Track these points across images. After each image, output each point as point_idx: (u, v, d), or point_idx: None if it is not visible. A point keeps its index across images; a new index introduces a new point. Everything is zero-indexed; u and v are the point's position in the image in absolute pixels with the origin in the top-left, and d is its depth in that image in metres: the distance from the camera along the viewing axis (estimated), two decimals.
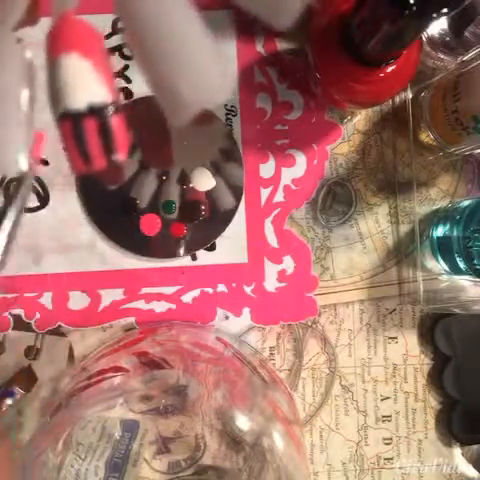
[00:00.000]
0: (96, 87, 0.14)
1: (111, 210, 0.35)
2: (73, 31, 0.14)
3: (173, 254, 0.35)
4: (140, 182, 0.34)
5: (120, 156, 0.14)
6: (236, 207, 0.35)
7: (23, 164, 0.15)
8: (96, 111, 0.14)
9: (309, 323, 0.37)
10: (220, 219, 0.35)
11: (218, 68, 0.16)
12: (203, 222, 0.35)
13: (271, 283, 0.36)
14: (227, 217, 0.35)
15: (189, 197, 0.35)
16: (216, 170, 0.35)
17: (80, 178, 0.35)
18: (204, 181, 0.34)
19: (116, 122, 0.14)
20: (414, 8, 0.21)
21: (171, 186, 0.35)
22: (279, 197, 0.36)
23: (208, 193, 0.35)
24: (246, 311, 0.36)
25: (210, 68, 0.16)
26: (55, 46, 0.14)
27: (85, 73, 0.14)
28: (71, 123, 0.14)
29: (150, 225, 0.35)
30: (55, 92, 0.14)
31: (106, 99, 0.14)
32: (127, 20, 0.15)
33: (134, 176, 0.34)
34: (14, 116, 0.15)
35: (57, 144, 0.15)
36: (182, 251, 0.35)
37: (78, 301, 0.35)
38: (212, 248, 0.36)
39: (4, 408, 0.33)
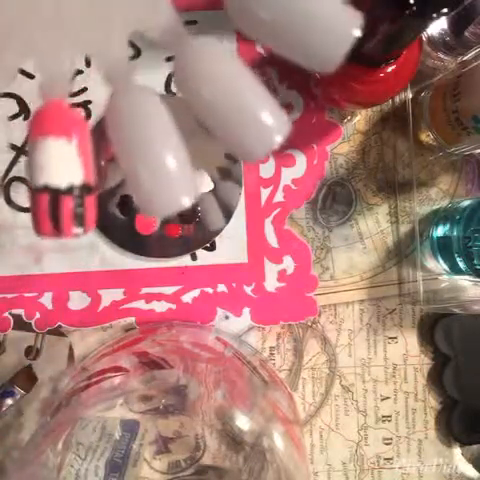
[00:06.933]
0: (77, 169, 0.15)
1: (110, 209, 0.35)
2: (61, 116, 0.15)
3: (169, 254, 0.35)
4: None
5: (85, 231, 0.16)
6: (233, 209, 0.35)
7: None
8: (73, 191, 0.15)
9: (309, 323, 0.37)
10: (217, 220, 0.35)
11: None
12: (200, 223, 0.35)
13: (271, 283, 0.36)
14: (225, 218, 0.35)
15: None
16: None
17: None
18: (201, 183, 0.34)
19: (90, 202, 0.16)
20: (414, 8, 0.21)
21: None
22: (279, 197, 0.36)
23: (207, 194, 0.35)
24: (246, 311, 0.36)
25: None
26: (42, 128, 0.15)
27: (68, 156, 0.15)
28: (49, 197, 0.15)
29: (146, 224, 0.34)
30: (36, 169, 0.15)
31: (84, 180, 0.16)
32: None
33: None
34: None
35: None
36: (178, 251, 0.35)
37: (78, 301, 0.35)
38: (212, 248, 0.36)
39: (4, 408, 0.33)
